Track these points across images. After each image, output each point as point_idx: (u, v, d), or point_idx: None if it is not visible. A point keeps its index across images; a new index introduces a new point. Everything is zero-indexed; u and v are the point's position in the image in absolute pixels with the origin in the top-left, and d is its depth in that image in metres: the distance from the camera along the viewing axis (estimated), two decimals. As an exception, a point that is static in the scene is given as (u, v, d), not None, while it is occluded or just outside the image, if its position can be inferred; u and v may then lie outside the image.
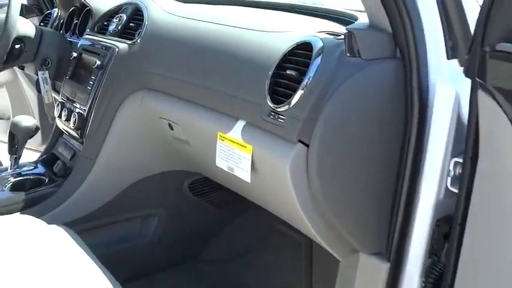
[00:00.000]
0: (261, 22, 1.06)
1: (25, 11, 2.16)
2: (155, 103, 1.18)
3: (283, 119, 0.80)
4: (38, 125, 1.36)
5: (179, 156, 1.31)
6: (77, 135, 1.32)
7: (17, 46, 1.50)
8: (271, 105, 0.83)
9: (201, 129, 1.04)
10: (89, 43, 1.43)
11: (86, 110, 1.29)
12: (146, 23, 1.27)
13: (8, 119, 2.43)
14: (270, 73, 0.85)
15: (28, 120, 1.32)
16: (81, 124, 1.29)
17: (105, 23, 1.46)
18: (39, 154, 2.22)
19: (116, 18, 1.40)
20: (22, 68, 1.68)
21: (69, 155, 1.37)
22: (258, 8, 1.31)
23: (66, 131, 1.40)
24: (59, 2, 1.80)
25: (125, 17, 1.37)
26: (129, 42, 1.27)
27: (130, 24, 1.34)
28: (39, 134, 2.37)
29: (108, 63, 1.27)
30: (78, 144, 1.34)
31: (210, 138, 1.01)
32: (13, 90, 2.32)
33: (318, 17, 1.06)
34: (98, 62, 1.28)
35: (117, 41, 1.31)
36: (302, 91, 0.78)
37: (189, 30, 1.14)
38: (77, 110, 1.32)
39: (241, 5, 1.34)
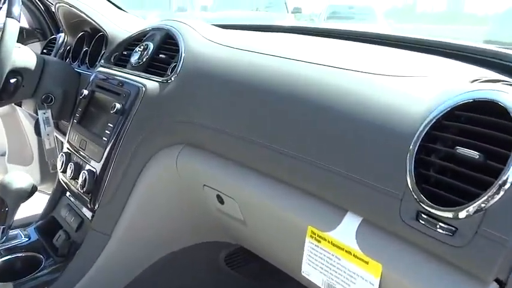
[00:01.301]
0: (362, 60, 0.71)
1: (26, 35, 1.81)
2: (198, 165, 0.82)
3: (452, 231, 0.45)
4: (34, 182, 0.99)
5: (221, 228, 0.95)
6: (86, 200, 0.95)
7: (13, 80, 1.14)
8: (423, 204, 0.47)
9: (273, 214, 0.68)
10: (104, 77, 1.07)
11: (100, 168, 0.92)
12: (183, 54, 0.92)
13: (3, 155, 2.06)
14: (413, 147, 0.50)
15: (21, 180, 0.95)
16: (93, 187, 0.92)
17: (125, 53, 1.11)
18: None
19: (140, 47, 1.05)
20: (19, 105, 1.32)
21: (74, 222, 1.00)
22: (333, 38, 0.97)
23: (72, 191, 1.03)
24: (66, 25, 1.45)
25: (151, 45, 1.02)
26: (160, 79, 0.92)
27: (160, 55, 0.99)
28: (37, 171, 2.00)
29: (132, 107, 0.91)
30: (88, 210, 0.98)
31: (290, 229, 0.65)
32: (10, 123, 1.95)
33: (440, 55, 0.71)
34: (118, 105, 0.92)
35: (143, 77, 0.96)
36: (501, 190, 0.43)
37: (250, 66, 0.79)
38: (87, 167, 0.96)
39: (310, 34, 1.00)
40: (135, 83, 0.94)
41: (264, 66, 0.77)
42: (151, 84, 0.91)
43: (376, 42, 0.86)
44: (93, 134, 0.98)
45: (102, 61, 1.16)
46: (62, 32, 1.57)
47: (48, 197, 1.28)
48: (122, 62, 1.10)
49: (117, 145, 0.90)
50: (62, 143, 1.47)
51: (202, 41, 0.94)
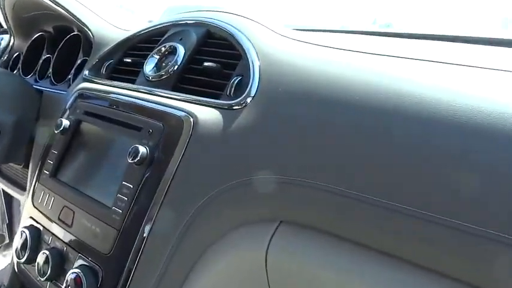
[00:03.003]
0: None
1: None
2: (320, 263, 0.43)
3: None
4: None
5: None
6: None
7: None
8: None
9: None
10: (99, 99, 0.65)
11: (108, 266, 0.50)
12: (257, 61, 0.53)
13: None
14: None
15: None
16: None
17: (128, 60, 0.70)
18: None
19: (159, 52, 0.64)
20: None
21: None
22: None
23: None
24: (14, 22, 0.99)
25: (181, 49, 0.62)
26: (220, 104, 0.52)
27: (205, 64, 0.59)
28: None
29: (172, 154, 0.50)
30: None
31: None
32: None
33: None
34: (141, 149, 0.50)
35: (181, 100, 0.56)
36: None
37: (385, 75, 0.43)
38: (80, 262, 0.52)
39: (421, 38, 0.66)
40: (171, 110, 0.53)
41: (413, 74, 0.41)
42: (205, 113, 0.51)
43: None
44: (88, 198, 0.55)
45: (87, 73, 0.73)
46: (4, 34, 1.10)
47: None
48: (122, 74, 0.68)
49: (145, 224, 0.49)
50: (11, 197, 0.99)
51: (281, 41, 0.57)
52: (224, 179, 0.47)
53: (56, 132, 0.63)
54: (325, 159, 0.43)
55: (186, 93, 0.57)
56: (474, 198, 0.34)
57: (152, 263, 0.48)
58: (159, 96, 0.58)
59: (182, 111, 0.52)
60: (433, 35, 0.71)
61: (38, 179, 0.64)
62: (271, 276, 0.47)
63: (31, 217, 0.62)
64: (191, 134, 0.50)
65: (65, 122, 0.63)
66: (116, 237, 0.50)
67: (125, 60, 0.70)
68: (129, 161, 0.51)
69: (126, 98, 0.60)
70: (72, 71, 0.82)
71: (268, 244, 0.46)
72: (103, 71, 0.72)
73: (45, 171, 0.63)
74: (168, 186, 0.49)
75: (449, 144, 0.37)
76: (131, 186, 0.51)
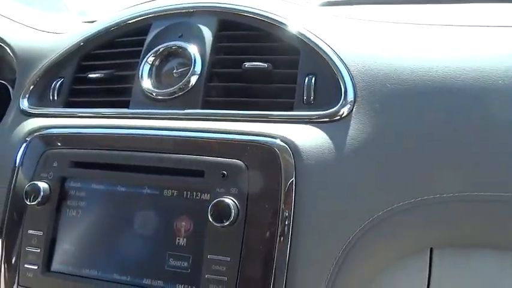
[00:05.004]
0: None
1: None
2: None
3: None
4: None
5: None
6: None
7: None
8: None
9: None
10: (85, 141, 0.43)
11: None
12: (334, 53, 0.41)
13: None
14: None
15: None
16: None
17: (98, 76, 0.48)
18: None
19: (154, 54, 0.46)
20: None
21: None
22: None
23: None
24: None
25: (194, 49, 0.45)
26: (310, 116, 0.38)
27: (249, 64, 0.42)
28: None
29: (273, 200, 0.35)
30: None
31: None
32: None
33: None
34: (229, 203, 0.34)
35: (235, 118, 0.40)
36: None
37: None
38: None
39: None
40: (240, 137, 0.38)
41: None
42: (294, 133, 0.38)
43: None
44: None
45: (25, 103, 0.49)
46: None
47: None
48: (91, 96, 0.48)
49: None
50: None
51: (340, 22, 0.45)
52: (366, 211, 0.35)
53: (29, 204, 0.41)
54: (492, 162, 0.35)
55: (227, 109, 0.41)
56: None
57: None
58: (192, 120, 0.41)
59: (259, 136, 0.38)
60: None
61: (18, 283, 0.41)
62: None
63: None
64: (295, 167, 0.36)
65: (43, 186, 0.41)
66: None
67: (89, 75, 0.48)
68: (214, 223, 0.35)
69: (146, 132, 0.41)
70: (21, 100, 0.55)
71: (429, 278, 0.37)
72: (52, 96, 0.49)
73: (27, 266, 0.41)
74: (290, 244, 0.35)
75: None
76: (227, 259, 0.35)
